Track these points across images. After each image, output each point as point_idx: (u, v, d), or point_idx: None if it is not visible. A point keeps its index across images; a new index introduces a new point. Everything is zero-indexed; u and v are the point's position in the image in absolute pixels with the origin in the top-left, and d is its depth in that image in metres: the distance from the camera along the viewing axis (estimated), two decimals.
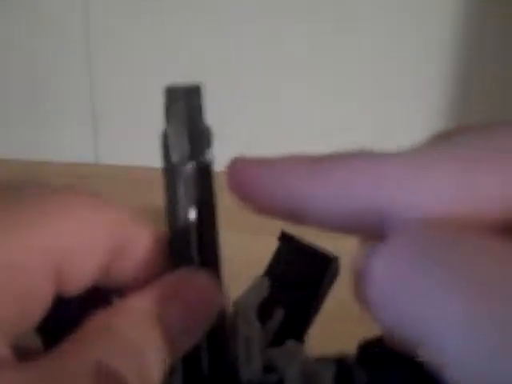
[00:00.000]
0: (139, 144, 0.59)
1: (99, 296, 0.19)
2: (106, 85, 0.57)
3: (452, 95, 0.55)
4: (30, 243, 0.17)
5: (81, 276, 0.18)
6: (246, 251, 0.42)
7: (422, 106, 0.56)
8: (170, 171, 0.20)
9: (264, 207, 0.17)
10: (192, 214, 0.19)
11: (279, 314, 0.21)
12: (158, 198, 0.60)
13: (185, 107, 0.20)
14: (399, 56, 0.54)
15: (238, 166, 0.17)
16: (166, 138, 0.21)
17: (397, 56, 0.54)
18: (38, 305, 0.17)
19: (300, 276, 0.22)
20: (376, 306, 0.13)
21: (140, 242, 0.20)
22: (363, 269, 0.15)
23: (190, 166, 0.20)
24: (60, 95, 0.58)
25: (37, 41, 0.56)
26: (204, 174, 0.20)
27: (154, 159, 0.66)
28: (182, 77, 0.59)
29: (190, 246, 0.19)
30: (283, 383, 0.20)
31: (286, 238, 0.22)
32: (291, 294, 0.22)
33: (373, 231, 0.16)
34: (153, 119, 0.64)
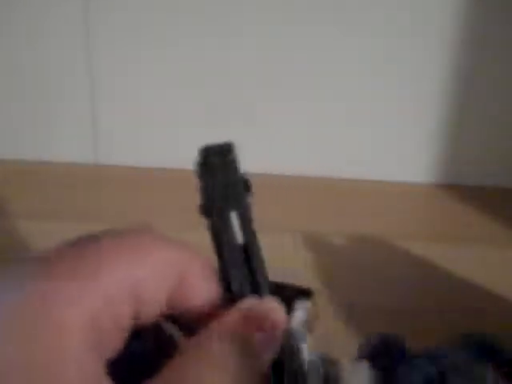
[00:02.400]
0: (139, 144, 0.59)
1: (159, 333, 0.22)
2: (106, 85, 0.57)
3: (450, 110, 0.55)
4: (118, 278, 0.20)
5: (153, 306, 0.21)
6: None
7: (420, 122, 0.56)
8: (219, 219, 0.22)
9: None
10: (239, 242, 0.22)
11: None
12: (158, 198, 0.61)
13: (221, 162, 0.23)
14: (399, 67, 0.54)
15: None
16: (209, 192, 0.23)
17: (396, 67, 0.54)
18: (122, 334, 0.20)
19: None
20: None
21: (196, 275, 0.22)
22: None
23: (233, 214, 0.22)
24: (60, 95, 0.58)
25: (37, 41, 0.56)
26: (245, 216, 0.22)
27: (154, 159, 0.67)
28: (182, 76, 0.58)
29: (244, 273, 0.22)
30: None
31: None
32: None
33: None
34: (153, 119, 0.64)
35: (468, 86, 0.55)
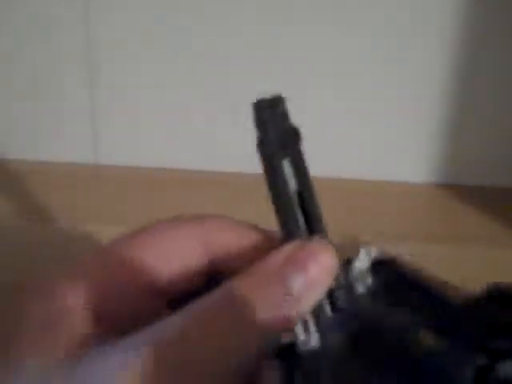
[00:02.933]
0: (139, 144, 0.59)
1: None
2: (106, 85, 0.57)
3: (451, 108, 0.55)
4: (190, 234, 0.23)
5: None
6: None
7: (420, 121, 0.56)
8: (273, 167, 0.23)
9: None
10: (293, 187, 0.23)
11: None
12: (158, 198, 0.61)
13: (273, 113, 0.24)
14: (399, 67, 0.54)
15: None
16: (263, 142, 0.24)
17: (396, 67, 0.54)
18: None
19: None
20: None
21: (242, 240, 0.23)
22: None
23: (286, 162, 0.23)
24: (60, 95, 0.58)
25: (37, 41, 0.56)
26: (300, 162, 0.24)
27: (154, 159, 0.67)
28: (182, 77, 0.58)
29: (297, 216, 0.23)
30: None
31: None
32: None
33: None
34: (153, 119, 0.64)
35: (468, 86, 0.55)
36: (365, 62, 0.55)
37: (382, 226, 0.51)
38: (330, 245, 0.22)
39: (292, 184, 0.23)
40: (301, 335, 0.21)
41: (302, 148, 0.24)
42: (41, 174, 0.58)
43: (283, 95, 0.24)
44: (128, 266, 0.22)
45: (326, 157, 0.58)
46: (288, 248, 0.22)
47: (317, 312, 0.22)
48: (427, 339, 0.18)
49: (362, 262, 0.23)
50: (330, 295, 0.22)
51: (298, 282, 0.21)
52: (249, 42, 0.55)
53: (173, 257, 0.22)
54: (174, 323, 0.20)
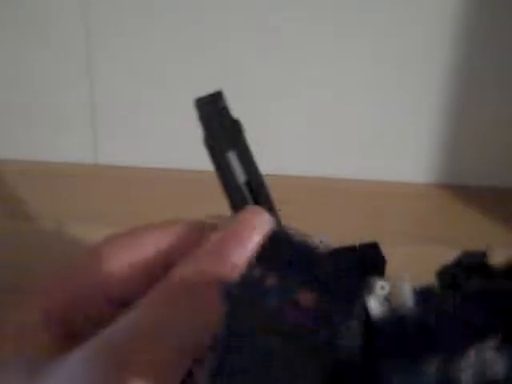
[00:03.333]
0: (139, 144, 0.59)
1: None
2: (106, 85, 0.57)
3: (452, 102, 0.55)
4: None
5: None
6: None
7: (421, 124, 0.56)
8: (219, 160, 0.25)
9: None
10: (241, 177, 0.24)
11: None
12: (157, 197, 0.60)
13: (213, 110, 0.25)
14: (399, 67, 0.54)
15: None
16: (208, 139, 0.25)
17: (396, 67, 0.54)
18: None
19: None
20: None
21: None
22: None
23: (232, 154, 0.24)
24: (60, 95, 0.58)
25: (37, 41, 0.56)
26: (245, 152, 0.24)
27: (153, 159, 0.66)
28: (183, 77, 0.58)
29: (247, 204, 0.24)
30: None
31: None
32: None
33: None
34: (153, 119, 0.64)
35: (468, 86, 0.55)
36: (365, 61, 0.55)
37: (382, 226, 0.51)
38: (264, 211, 0.23)
39: (240, 174, 0.24)
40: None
41: (245, 138, 0.25)
42: (41, 174, 0.58)
43: (221, 90, 0.25)
44: (87, 276, 0.23)
45: (325, 157, 0.58)
46: (222, 225, 0.23)
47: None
48: (306, 297, 0.18)
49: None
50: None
51: (237, 255, 0.21)
52: (249, 42, 0.55)
53: (130, 264, 0.24)
54: (119, 326, 0.20)
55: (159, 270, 0.23)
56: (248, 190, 0.24)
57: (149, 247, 0.24)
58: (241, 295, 0.18)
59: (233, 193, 0.24)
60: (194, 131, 0.67)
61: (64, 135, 0.59)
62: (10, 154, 0.59)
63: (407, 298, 0.19)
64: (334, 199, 0.55)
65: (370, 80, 0.55)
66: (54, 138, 0.59)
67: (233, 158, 0.24)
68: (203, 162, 0.64)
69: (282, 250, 0.20)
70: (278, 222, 0.24)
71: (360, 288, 0.19)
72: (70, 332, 0.22)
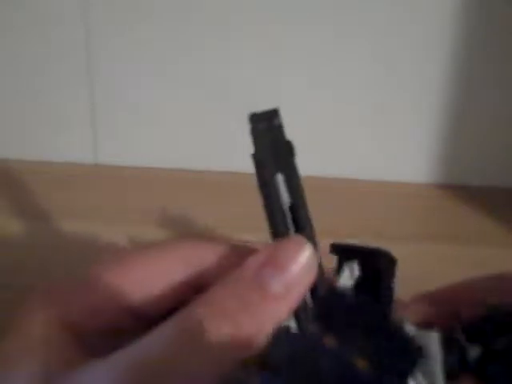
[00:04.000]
0: (139, 144, 0.59)
1: None
2: (106, 85, 0.57)
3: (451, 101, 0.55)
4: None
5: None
6: None
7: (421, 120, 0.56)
8: (266, 180, 0.24)
9: None
10: (286, 200, 0.24)
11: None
12: (158, 197, 0.60)
13: (267, 127, 0.24)
14: (399, 67, 0.54)
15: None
16: (257, 157, 0.24)
17: (396, 67, 0.54)
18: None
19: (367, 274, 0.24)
20: None
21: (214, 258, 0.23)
22: None
23: (280, 176, 0.24)
24: (60, 95, 0.58)
25: (37, 41, 0.56)
26: (293, 175, 0.24)
27: (153, 159, 0.66)
28: (183, 77, 0.58)
29: (288, 230, 0.23)
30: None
31: (338, 248, 0.25)
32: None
33: None
34: (153, 119, 0.64)
35: (468, 86, 0.55)
36: (365, 61, 0.55)
37: (382, 226, 0.51)
38: (308, 242, 0.22)
39: (284, 197, 0.24)
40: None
41: (295, 161, 0.25)
42: (41, 174, 0.58)
43: (278, 108, 0.25)
44: (106, 290, 0.22)
45: (326, 157, 0.58)
46: (264, 251, 0.21)
47: (301, 308, 0.22)
48: (362, 365, 0.18)
49: (345, 279, 0.23)
50: (312, 292, 0.22)
51: (276, 283, 0.20)
52: (249, 42, 0.55)
53: (154, 279, 0.22)
54: (149, 345, 0.19)
55: (186, 286, 0.22)
56: (291, 215, 0.24)
57: (176, 262, 0.23)
58: (300, 348, 0.18)
59: (275, 216, 0.23)
60: (194, 131, 0.67)
61: (64, 135, 0.59)
62: (10, 154, 0.59)
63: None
64: (334, 199, 0.55)
65: (370, 80, 0.55)
66: (54, 137, 0.59)
67: (280, 179, 0.24)
68: (203, 162, 0.64)
69: (337, 308, 0.20)
70: (318, 254, 0.23)
71: (410, 369, 0.19)
72: (82, 343, 0.21)
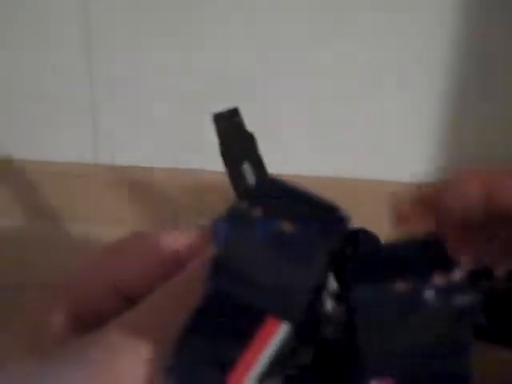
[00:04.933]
0: (139, 144, 0.59)
1: None
2: (106, 85, 0.57)
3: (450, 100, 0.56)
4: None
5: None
6: None
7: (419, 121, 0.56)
8: (234, 171, 0.26)
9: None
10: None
11: None
12: (157, 197, 0.60)
13: (230, 123, 0.27)
14: (399, 67, 0.55)
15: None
16: (224, 151, 0.27)
17: (396, 67, 0.55)
18: None
19: None
20: None
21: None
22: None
23: (247, 165, 0.26)
24: (60, 95, 0.58)
25: (37, 41, 0.56)
26: (259, 163, 0.26)
27: (153, 159, 0.66)
28: (182, 76, 0.58)
29: None
30: None
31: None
32: None
33: None
34: (153, 120, 0.64)
35: (468, 86, 0.55)
36: (365, 62, 0.55)
37: (382, 226, 0.51)
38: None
39: (253, 184, 0.26)
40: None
41: (259, 151, 0.26)
42: (40, 174, 0.58)
43: (237, 107, 0.27)
44: (100, 272, 0.24)
45: (326, 157, 0.58)
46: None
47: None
48: (288, 226, 0.19)
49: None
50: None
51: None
52: (249, 42, 0.55)
53: (145, 262, 0.24)
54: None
55: (174, 270, 0.24)
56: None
57: (164, 247, 0.24)
58: (231, 226, 0.19)
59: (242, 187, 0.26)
60: (194, 131, 0.67)
61: (64, 135, 0.59)
62: (9, 154, 0.59)
63: None
64: (334, 199, 0.55)
65: (371, 80, 0.55)
66: (54, 137, 0.59)
67: (247, 169, 0.26)
68: (203, 162, 0.64)
69: (267, 188, 0.21)
70: None
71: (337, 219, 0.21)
72: (80, 327, 0.23)
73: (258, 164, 0.26)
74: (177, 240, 0.24)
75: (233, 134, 0.27)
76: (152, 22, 0.55)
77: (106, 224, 0.50)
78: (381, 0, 0.53)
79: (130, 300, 0.24)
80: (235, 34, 0.55)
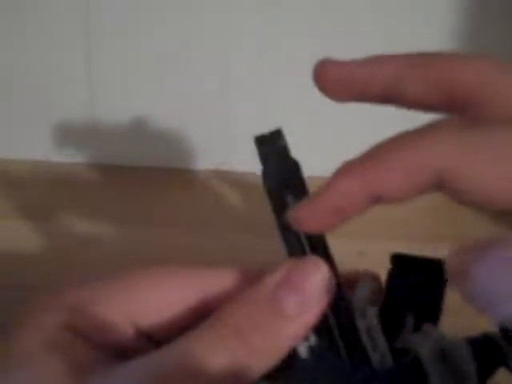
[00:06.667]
0: (138, 144, 0.59)
1: None
2: (106, 85, 0.57)
3: None
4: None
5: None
6: (253, 253, 0.42)
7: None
8: (277, 202, 0.24)
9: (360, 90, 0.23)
10: None
11: (410, 319, 0.23)
12: (157, 197, 0.60)
13: (273, 149, 0.25)
14: None
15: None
16: (266, 176, 0.24)
17: None
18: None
19: (418, 285, 0.24)
20: (480, 304, 0.15)
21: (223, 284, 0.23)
22: (464, 269, 0.18)
23: (291, 196, 0.24)
24: (60, 95, 0.58)
25: (37, 40, 0.56)
26: (302, 194, 0.24)
27: (153, 159, 0.66)
28: (183, 77, 0.58)
29: (303, 247, 0.23)
30: (420, 362, 0.21)
31: (398, 258, 0.26)
32: (416, 300, 0.24)
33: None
34: (152, 120, 0.64)
35: None
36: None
37: (382, 226, 0.51)
38: (323, 262, 0.22)
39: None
40: (302, 353, 0.21)
41: (304, 180, 0.25)
42: (40, 174, 0.58)
43: (281, 129, 0.26)
44: (119, 302, 0.22)
45: (326, 157, 0.58)
46: (279, 271, 0.21)
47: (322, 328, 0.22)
48: None
49: (361, 294, 0.24)
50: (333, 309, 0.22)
51: (291, 304, 0.20)
52: (249, 42, 0.55)
53: (166, 304, 0.23)
54: (168, 356, 0.20)
55: (197, 312, 0.23)
56: (306, 236, 0.24)
57: (189, 287, 0.23)
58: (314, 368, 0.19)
59: (290, 238, 0.23)
60: (194, 132, 0.66)
61: (64, 135, 0.59)
62: (9, 154, 0.59)
63: None
64: None
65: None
66: (53, 137, 0.59)
67: (291, 201, 0.24)
68: (203, 162, 0.64)
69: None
70: (335, 273, 0.23)
71: None
72: (88, 351, 0.22)
73: (302, 195, 0.24)
74: (214, 280, 0.23)
75: (276, 161, 0.25)
76: (152, 23, 0.55)
77: (106, 224, 0.50)
78: (381, 0, 0.53)
79: (149, 337, 0.23)
80: (235, 34, 0.55)
